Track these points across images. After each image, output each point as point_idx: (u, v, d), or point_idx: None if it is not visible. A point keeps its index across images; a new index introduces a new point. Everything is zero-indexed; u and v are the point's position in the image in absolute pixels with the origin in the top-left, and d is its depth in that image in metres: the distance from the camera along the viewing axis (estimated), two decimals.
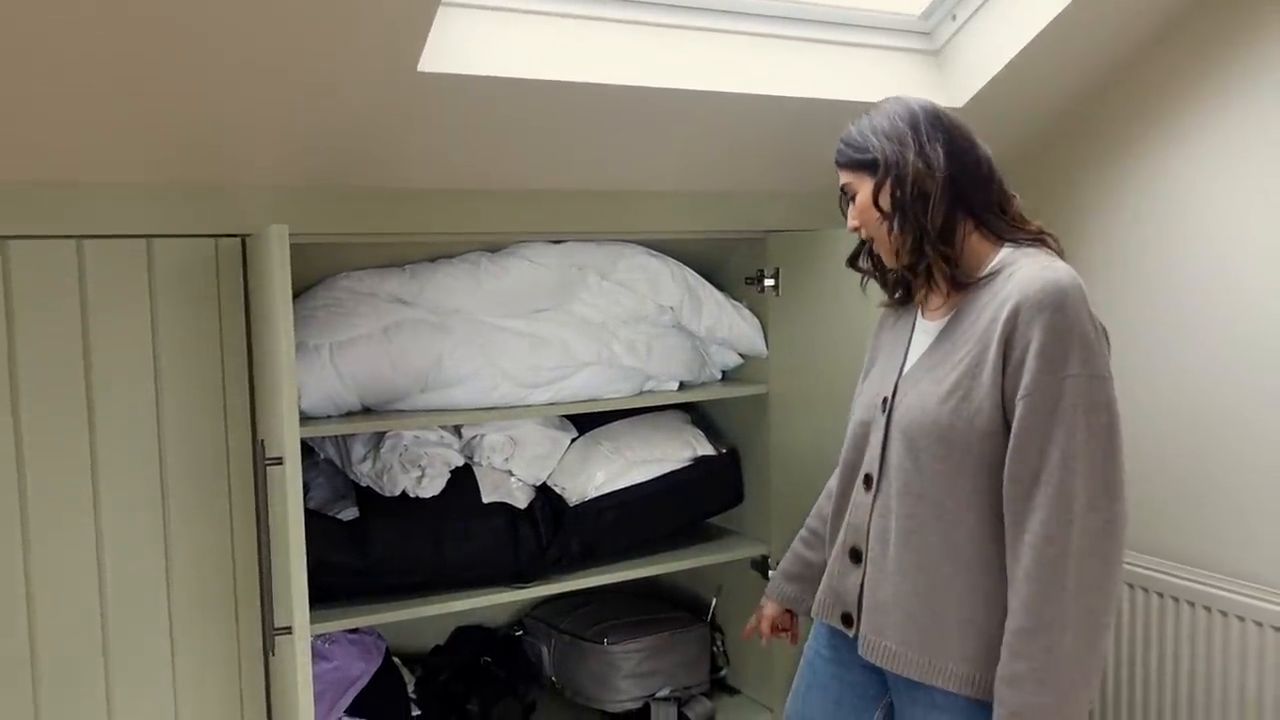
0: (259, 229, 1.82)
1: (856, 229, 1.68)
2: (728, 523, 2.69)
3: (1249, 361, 2.17)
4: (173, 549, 1.87)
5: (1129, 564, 2.36)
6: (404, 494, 2.20)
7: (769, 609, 1.94)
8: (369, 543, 2.15)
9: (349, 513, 2.20)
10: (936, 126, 1.62)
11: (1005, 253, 1.59)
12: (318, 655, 2.22)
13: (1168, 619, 2.28)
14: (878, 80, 2.30)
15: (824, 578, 1.76)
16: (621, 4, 2.05)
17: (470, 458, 2.33)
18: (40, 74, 1.56)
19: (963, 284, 1.58)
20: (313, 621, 2.00)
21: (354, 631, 2.30)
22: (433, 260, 2.25)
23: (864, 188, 1.63)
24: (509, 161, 2.06)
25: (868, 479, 1.66)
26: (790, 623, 1.94)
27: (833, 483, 1.82)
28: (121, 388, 1.83)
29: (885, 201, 1.60)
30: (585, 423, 2.51)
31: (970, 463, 1.52)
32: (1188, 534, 2.31)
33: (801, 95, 2.20)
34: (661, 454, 2.46)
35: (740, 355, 2.58)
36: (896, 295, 1.74)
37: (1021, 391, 1.46)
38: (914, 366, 1.64)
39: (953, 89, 2.35)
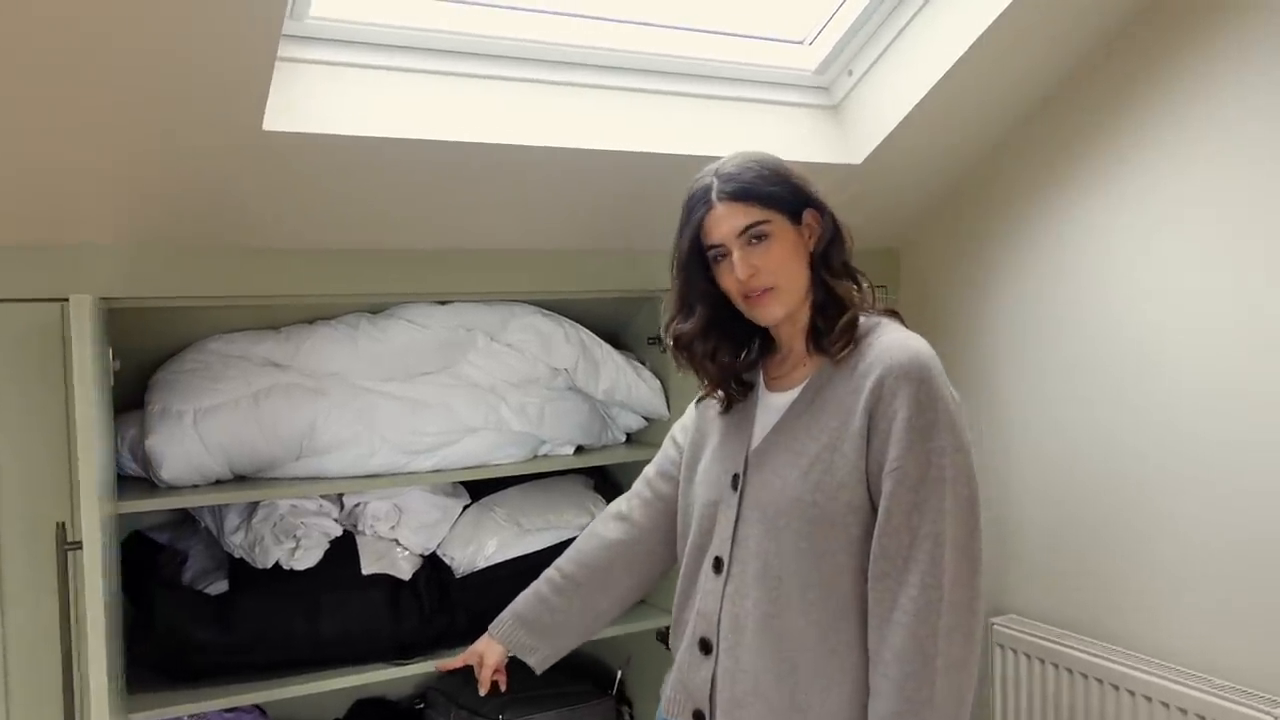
0: (104, 292, 1.76)
1: (753, 275, 1.46)
2: None
3: (1162, 420, 2.09)
4: None
5: (1031, 635, 2.27)
6: (277, 566, 2.11)
7: (493, 655, 1.79)
8: (236, 618, 2.04)
9: (218, 586, 2.10)
10: None
11: (862, 320, 1.50)
12: None
13: (1064, 693, 2.18)
14: (776, 136, 2.24)
15: (672, 671, 1.63)
16: (496, 61, 1.99)
17: (354, 527, 2.24)
18: None
19: (822, 352, 1.50)
20: (175, 703, 1.94)
21: (231, 711, 2.19)
22: (310, 322, 2.17)
23: (784, 229, 1.46)
24: (372, 220, 2.00)
25: (718, 562, 1.54)
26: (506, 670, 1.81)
27: (598, 525, 1.76)
28: None
29: (823, 249, 1.49)
30: (482, 489, 2.42)
31: (834, 539, 1.43)
32: (1098, 606, 2.22)
33: (697, 153, 2.12)
34: (559, 520, 2.37)
35: (644, 418, 2.50)
36: (731, 385, 1.59)
37: (889, 465, 1.39)
38: (765, 441, 1.52)
39: (852, 144, 2.28)
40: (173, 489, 2.01)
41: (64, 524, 1.53)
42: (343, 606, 2.13)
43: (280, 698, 2.06)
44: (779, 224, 1.47)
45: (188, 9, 1.44)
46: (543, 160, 2.01)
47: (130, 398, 2.08)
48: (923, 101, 2.13)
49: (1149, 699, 2.02)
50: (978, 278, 2.46)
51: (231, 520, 2.16)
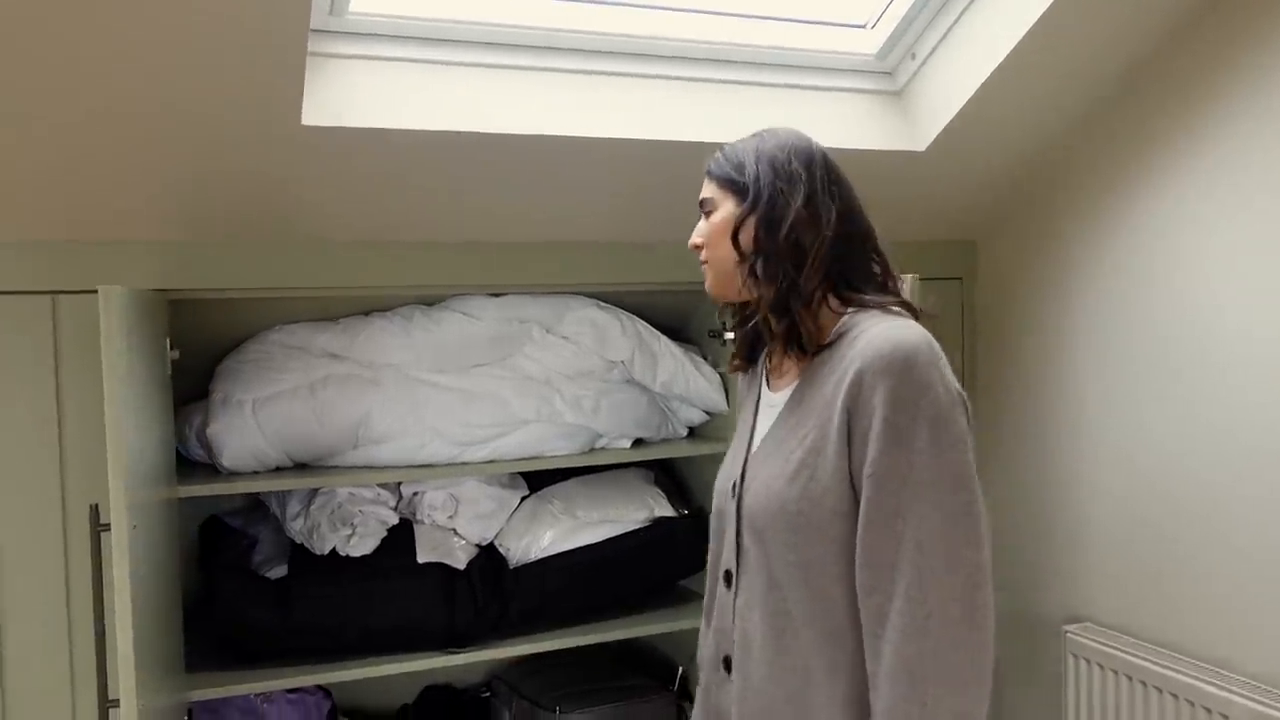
0: (149, 285, 1.83)
1: (697, 248, 1.48)
2: (699, 585, 2.56)
3: (1250, 424, 1.95)
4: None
5: (1106, 644, 2.15)
6: (334, 552, 2.16)
7: None
8: (292, 602, 2.10)
9: (278, 570, 2.16)
10: (833, 179, 1.43)
11: (849, 315, 1.40)
12: (253, 714, 2.19)
13: (1138, 707, 2.06)
14: (836, 123, 2.18)
15: (699, 692, 1.56)
16: (546, 53, 1.99)
17: (412, 516, 2.28)
18: None
19: (805, 350, 1.40)
20: (232, 683, 2.01)
21: (294, 692, 2.25)
22: (366, 314, 2.21)
23: (724, 209, 1.44)
24: (423, 212, 2.02)
25: (728, 576, 1.47)
26: None
27: None
28: None
29: (746, 239, 1.40)
30: (542, 481, 2.42)
31: (823, 548, 1.33)
32: (1178, 616, 2.09)
33: None
34: (616, 514, 2.36)
35: (705, 412, 2.46)
36: (742, 353, 1.55)
37: (868, 469, 1.29)
38: (760, 445, 1.46)
39: (915, 131, 2.20)
40: (233, 475, 2.08)
41: (97, 506, 1.59)
42: (396, 594, 2.16)
43: (336, 680, 2.12)
44: (723, 203, 1.44)
45: (222, 8, 1.48)
46: (596, 151, 2.00)
47: (199, 387, 2.16)
48: (987, 83, 2.04)
49: (1225, 716, 1.89)
50: (1056, 270, 2.34)
51: (292, 507, 2.22)
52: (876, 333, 1.34)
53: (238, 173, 1.81)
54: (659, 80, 2.10)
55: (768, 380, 1.51)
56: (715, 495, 1.54)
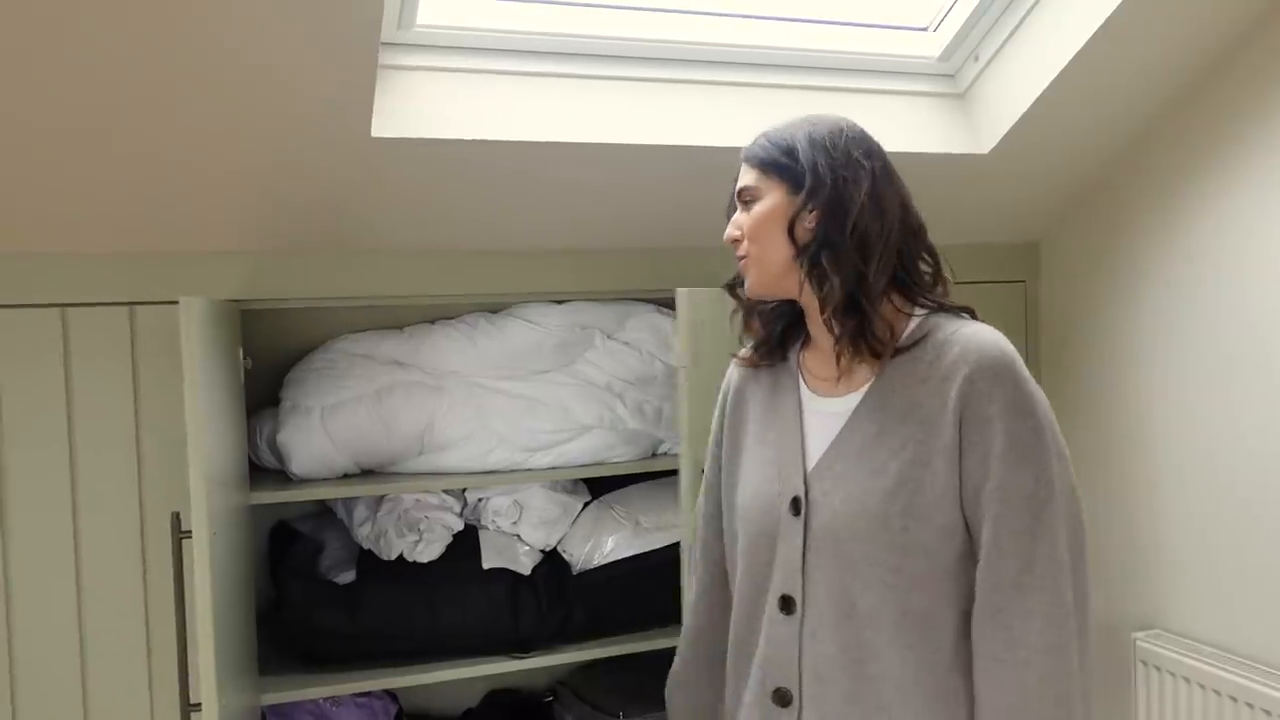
0: (224, 295, 1.87)
1: (736, 241, 1.38)
2: None
3: None
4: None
5: (1178, 653, 2.12)
6: (401, 558, 2.18)
7: None
8: (360, 607, 2.13)
9: (346, 576, 2.19)
10: (891, 170, 1.37)
11: (922, 317, 1.35)
12: (321, 717, 2.22)
13: (1211, 717, 2.03)
14: (899, 127, 2.18)
15: (732, 716, 1.45)
16: (607, 61, 2.01)
17: (477, 521, 2.30)
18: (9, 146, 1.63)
19: (878, 353, 1.32)
20: (303, 686, 2.05)
21: (363, 695, 2.28)
22: (431, 322, 2.24)
23: (772, 199, 1.34)
24: (485, 221, 2.05)
25: (786, 601, 1.34)
26: None
27: (697, 597, 1.56)
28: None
29: (805, 230, 1.32)
30: (603, 487, 2.43)
31: (927, 569, 1.27)
32: (1253, 625, 2.05)
33: None
34: (677, 519, 2.36)
35: None
36: (763, 350, 1.45)
37: (994, 481, 1.24)
38: (827, 456, 1.34)
39: (979, 133, 2.19)
40: (303, 481, 2.12)
41: (178, 514, 1.63)
42: (462, 599, 2.18)
43: (403, 685, 2.14)
44: (770, 193, 1.35)
45: (293, 24, 1.51)
46: (660, 158, 2.02)
47: (268, 395, 2.20)
48: (1052, 86, 2.02)
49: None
50: (1123, 272, 2.31)
51: (360, 513, 2.25)
52: (974, 335, 1.29)
53: (308, 184, 1.85)
54: (726, 87, 2.11)
55: (804, 383, 1.42)
56: (747, 510, 1.42)
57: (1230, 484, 2.09)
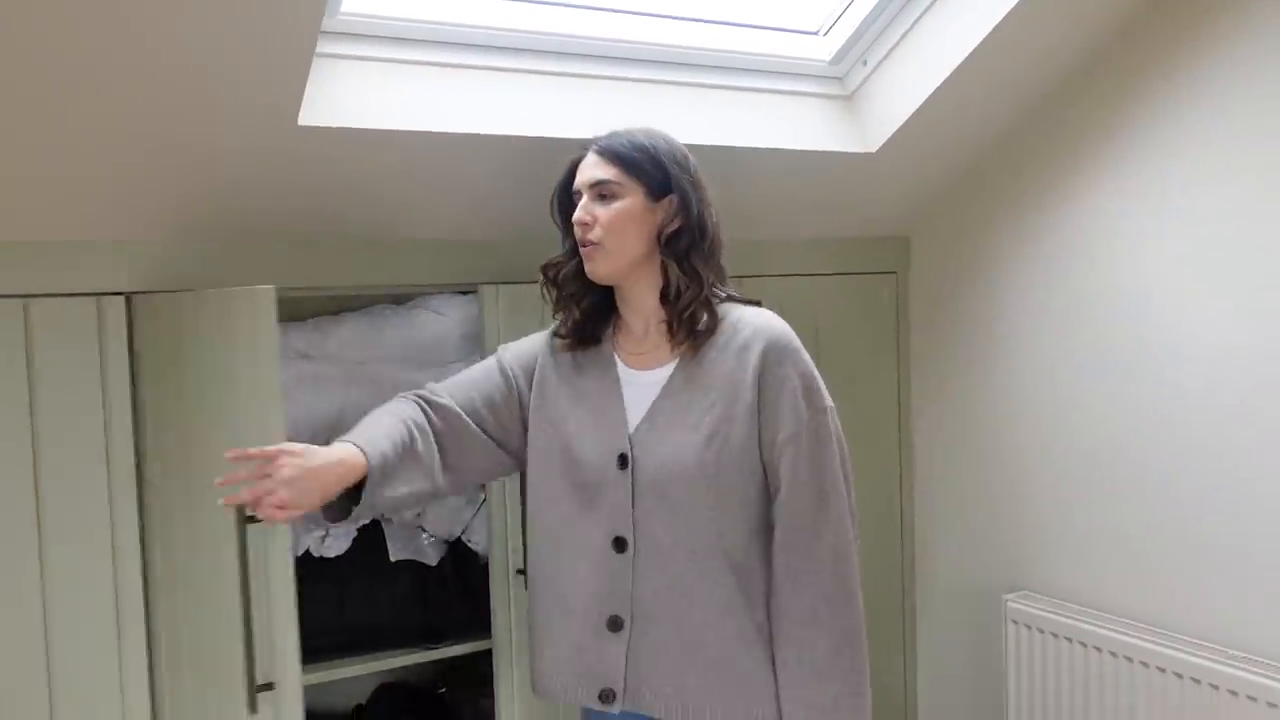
0: (141, 286, 1.80)
1: (588, 225, 1.56)
2: None
3: (1173, 397, 2.15)
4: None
5: (1044, 610, 2.33)
6: (308, 553, 2.14)
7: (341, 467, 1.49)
8: None
9: None
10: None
11: (718, 305, 1.61)
12: None
13: (1078, 667, 2.24)
14: (790, 126, 2.28)
15: (562, 653, 1.63)
16: (511, 54, 2.02)
17: (381, 515, 2.27)
18: None
19: (701, 333, 1.59)
20: None
21: None
22: (337, 313, 2.20)
23: (634, 198, 1.57)
24: (401, 211, 2.03)
25: (619, 542, 1.57)
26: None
27: (410, 409, 1.63)
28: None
29: (668, 231, 1.57)
30: None
31: (736, 506, 1.54)
32: (1110, 582, 2.28)
33: (712, 143, 2.15)
34: None
35: None
36: (580, 333, 1.67)
37: (788, 431, 1.53)
38: (646, 420, 1.58)
39: (866, 133, 2.32)
40: None
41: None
42: (371, 593, 2.17)
43: (311, 681, 2.10)
44: (631, 192, 1.57)
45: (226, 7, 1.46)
46: (556, 151, 2.03)
47: None
48: (937, 91, 2.18)
49: (1163, 670, 2.08)
50: (989, 263, 2.51)
51: None
52: (764, 319, 1.59)
53: (227, 172, 1.79)
54: (622, 83, 2.15)
55: (620, 360, 1.65)
56: (578, 466, 1.60)
57: (1086, 456, 2.31)
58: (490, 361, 1.74)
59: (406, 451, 1.57)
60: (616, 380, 1.63)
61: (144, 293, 1.85)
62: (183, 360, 1.77)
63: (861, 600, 1.56)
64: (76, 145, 1.63)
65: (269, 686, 1.61)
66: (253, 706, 1.59)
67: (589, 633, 1.60)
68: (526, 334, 2.07)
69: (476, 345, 2.25)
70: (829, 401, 1.57)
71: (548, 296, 1.69)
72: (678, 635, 1.55)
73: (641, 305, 1.63)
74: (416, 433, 1.60)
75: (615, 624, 1.58)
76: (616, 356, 1.65)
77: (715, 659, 1.55)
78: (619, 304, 1.67)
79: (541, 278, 1.68)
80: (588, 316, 1.66)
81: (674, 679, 1.56)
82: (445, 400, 1.66)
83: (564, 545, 1.63)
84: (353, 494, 1.52)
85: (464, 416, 1.65)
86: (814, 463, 1.53)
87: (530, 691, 1.70)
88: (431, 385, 1.71)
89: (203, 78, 1.58)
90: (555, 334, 1.70)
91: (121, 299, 1.84)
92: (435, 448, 1.62)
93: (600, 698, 1.60)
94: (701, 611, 1.55)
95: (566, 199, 1.64)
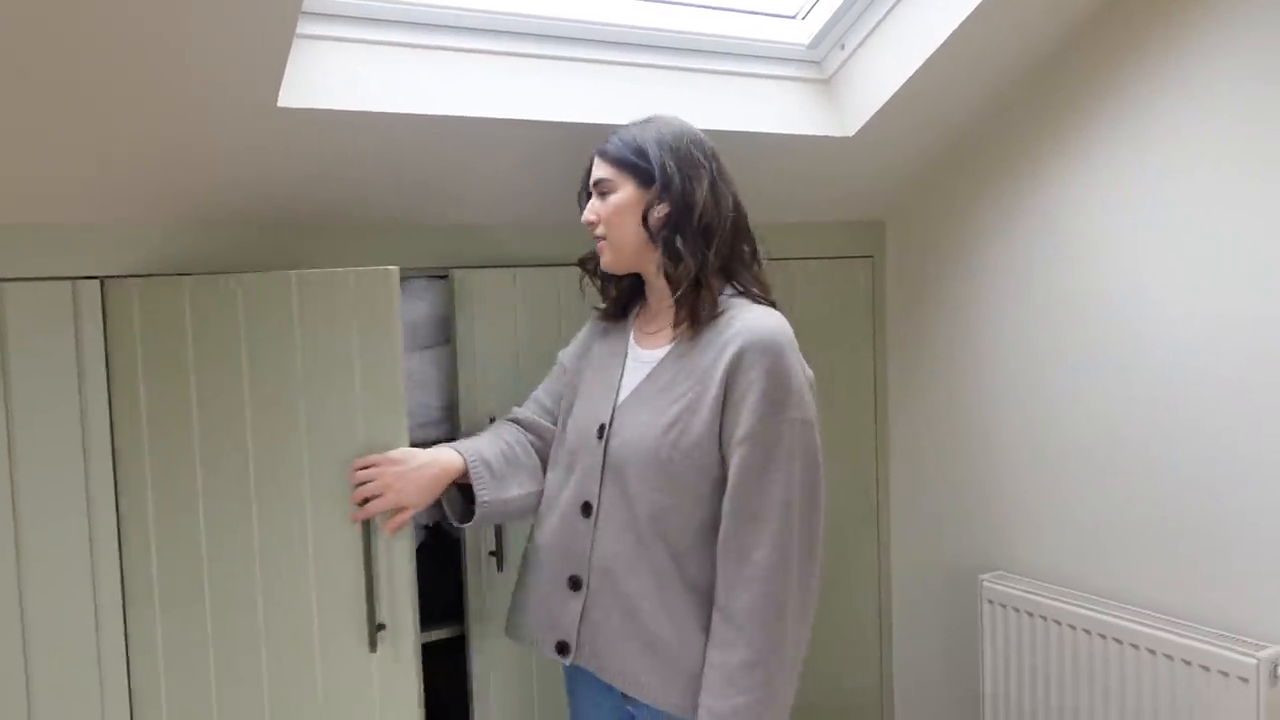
0: (125, 269, 1.78)
1: (593, 223, 1.69)
2: None
3: (1147, 380, 2.18)
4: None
5: (1018, 589, 2.36)
6: None
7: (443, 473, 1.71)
8: None
9: None
10: (723, 168, 1.68)
11: (727, 297, 1.65)
12: None
13: (1052, 645, 2.27)
14: (768, 110, 2.29)
15: (527, 596, 1.77)
16: (492, 37, 2.01)
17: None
18: None
19: (702, 321, 1.62)
20: None
21: None
22: None
23: (625, 192, 1.65)
24: (382, 196, 2.01)
25: (586, 507, 1.67)
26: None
27: (510, 431, 1.83)
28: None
29: (658, 220, 1.63)
30: None
31: (687, 495, 1.58)
32: (1083, 560, 2.31)
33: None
34: None
35: None
36: (612, 310, 1.80)
37: (744, 431, 1.53)
38: (631, 396, 1.67)
39: (844, 117, 2.33)
40: None
41: None
42: None
43: None
44: (624, 186, 1.65)
45: None
46: (536, 135, 2.03)
47: None
48: (915, 75, 2.19)
49: (1136, 646, 2.11)
50: (964, 247, 2.53)
51: None
52: (754, 317, 1.59)
53: (209, 154, 1.77)
54: (601, 65, 2.14)
55: (634, 338, 1.72)
56: (571, 432, 1.74)
57: (1060, 439, 2.34)
58: (556, 365, 1.91)
59: (508, 456, 1.77)
60: (624, 356, 1.72)
61: (117, 276, 1.82)
62: (212, 343, 1.79)
63: (800, 618, 1.56)
64: (50, 128, 1.60)
65: (382, 626, 1.72)
66: (373, 645, 1.72)
67: (554, 588, 1.70)
68: (497, 319, 2.11)
69: (447, 329, 2.24)
70: (804, 414, 1.56)
71: (587, 288, 1.84)
72: (618, 604, 1.63)
73: (656, 289, 1.72)
74: (514, 442, 1.80)
75: (575, 583, 1.67)
76: (631, 334, 1.75)
77: (651, 636, 1.60)
78: (646, 289, 1.77)
79: (581, 270, 1.83)
80: (623, 294, 1.79)
81: (617, 644, 1.63)
82: (527, 414, 1.86)
83: (552, 503, 1.74)
84: (469, 494, 1.73)
85: (543, 421, 1.84)
86: (762, 471, 1.53)
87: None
88: (515, 408, 1.90)
89: (180, 59, 1.55)
90: (595, 308, 1.85)
91: (96, 283, 1.82)
92: (535, 454, 1.81)
93: (557, 649, 1.69)
94: (639, 586, 1.61)
95: (587, 198, 1.75)
